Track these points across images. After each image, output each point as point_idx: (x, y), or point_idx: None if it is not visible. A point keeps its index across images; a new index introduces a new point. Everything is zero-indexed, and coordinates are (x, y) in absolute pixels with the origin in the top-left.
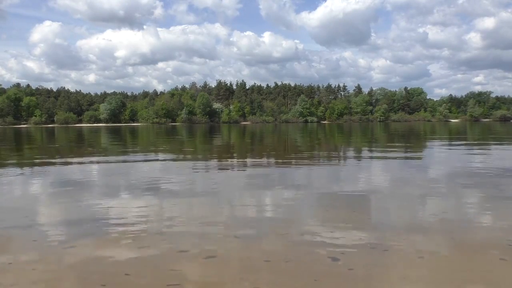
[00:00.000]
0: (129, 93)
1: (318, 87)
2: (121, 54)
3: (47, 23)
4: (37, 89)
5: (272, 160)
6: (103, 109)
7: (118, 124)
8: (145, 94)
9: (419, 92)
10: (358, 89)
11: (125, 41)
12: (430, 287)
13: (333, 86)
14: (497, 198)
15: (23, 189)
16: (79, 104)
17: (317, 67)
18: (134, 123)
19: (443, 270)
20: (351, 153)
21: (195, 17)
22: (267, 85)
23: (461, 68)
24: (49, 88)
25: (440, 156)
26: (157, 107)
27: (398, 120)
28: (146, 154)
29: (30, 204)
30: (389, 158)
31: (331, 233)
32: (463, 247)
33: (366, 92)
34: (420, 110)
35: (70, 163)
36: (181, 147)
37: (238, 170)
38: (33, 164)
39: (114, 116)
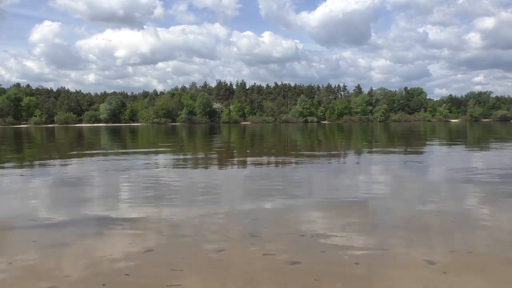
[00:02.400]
0: (129, 93)
1: (318, 87)
2: (121, 54)
3: (47, 23)
4: (37, 89)
5: (280, 161)
6: (103, 109)
7: (118, 124)
8: (145, 94)
9: (419, 92)
10: (358, 89)
11: (125, 41)
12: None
13: (333, 86)
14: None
15: (24, 189)
16: (79, 104)
17: (317, 67)
18: (134, 123)
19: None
20: (356, 154)
21: (195, 17)
22: (267, 85)
23: (461, 68)
24: (49, 88)
25: (447, 158)
26: (157, 107)
27: (398, 120)
28: (146, 152)
29: (30, 204)
30: (395, 160)
31: (331, 233)
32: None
33: (366, 92)
34: (420, 110)
35: (72, 164)
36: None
37: (238, 168)
38: (34, 164)
39: (114, 116)
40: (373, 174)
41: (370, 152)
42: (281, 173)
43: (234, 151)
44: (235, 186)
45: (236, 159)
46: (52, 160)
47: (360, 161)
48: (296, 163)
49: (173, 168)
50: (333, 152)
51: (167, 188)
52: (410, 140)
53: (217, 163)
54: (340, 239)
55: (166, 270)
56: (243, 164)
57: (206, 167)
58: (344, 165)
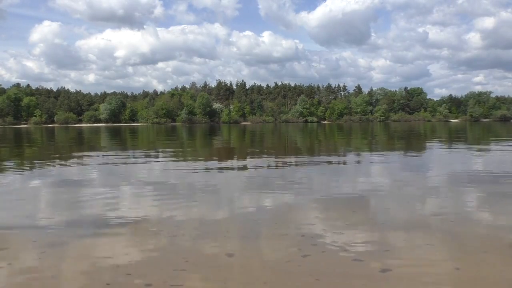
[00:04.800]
0: (129, 93)
1: (318, 87)
2: (121, 54)
3: (46, 23)
4: (37, 89)
5: (276, 160)
6: (103, 109)
7: (118, 124)
8: (145, 94)
9: (419, 92)
10: (358, 89)
11: (124, 41)
12: (430, 287)
13: (333, 86)
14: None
15: (24, 189)
16: (79, 104)
17: (317, 67)
18: (134, 123)
19: (443, 271)
20: (361, 155)
21: (195, 17)
22: (267, 85)
23: (461, 68)
24: (49, 88)
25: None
26: (157, 107)
27: (398, 120)
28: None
29: (30, 204)
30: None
31: (332, 233)
32: (463, 247)
33: (366, 92)
34: (420, 110)
35: (72, 164)
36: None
37: (244, 170)
38: (34, 165)
39: (114, 116)
40: (378, 176)
41: (379, 152)
42: (282, 174)
43: (240, 153)
44: (238, 187)
45: (240, 161)
46: (52, 161)
47: (370, 163)
48: (299, 164)
49: (175, 169)
50: (339, 153)
51: (168, 189)
52: (419, 141)
53: (221, 164)
54: (341, 239)
55: (169, 270)
56: (247, 166)
57: (209, 169)
58: (351, 166)
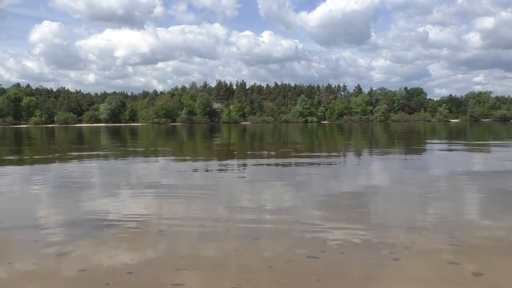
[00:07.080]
0: (129, 93)
1: (318, 87)
2: (121, 54)
3: (46, 23)
4: (37, 89)
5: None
6: (103, 109)
7: (118, 124)
8: (145, 94)
9: (419, 92)
10: (358, 89)
11: (124, 41)
12: (429, 286)
13: (333, 86)
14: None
15: (24, 189)
16: (79, 104)
17: (317, 67)
18: (134, 123)
19: (442, 270)
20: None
21: (195, 16)
22: (267, 85)
23: (461, 68)
24: (49, 88)
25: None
26: (157, 107)
27: (398, 120)
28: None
29: (30, 204)
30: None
31: (332, 232)
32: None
33: (366, 92)
34: (420, 110)
35: (72, 165)
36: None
37: (238, 171)
38: (35, 165)
39: (114, 116)
40: (379, 176)
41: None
42: (284, 173)
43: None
44: (238, 187)
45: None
46: (52, 161)
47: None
48: (300, 164)
49: (175, 170)
50: (340, 153)
51: (169, 189)
52: (427, 143)
53: (223, 164)
54: (341, 239)
55: (170, 269)
56: (244, 166)
57: (207, 170)
58: (353, 167)
